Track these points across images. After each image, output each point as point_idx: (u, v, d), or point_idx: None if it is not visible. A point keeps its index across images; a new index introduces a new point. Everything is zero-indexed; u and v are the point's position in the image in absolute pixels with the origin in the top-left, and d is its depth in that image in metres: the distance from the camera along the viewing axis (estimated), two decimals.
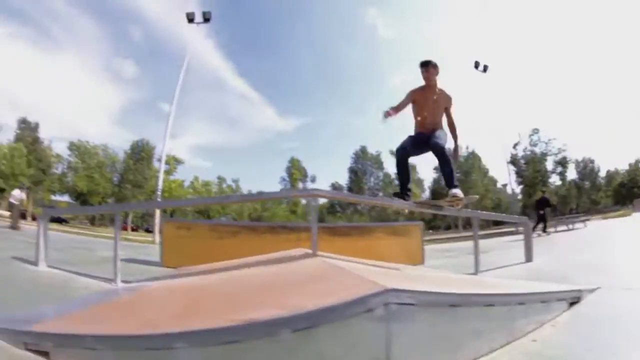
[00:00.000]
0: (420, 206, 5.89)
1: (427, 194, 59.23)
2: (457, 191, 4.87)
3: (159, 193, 24.59)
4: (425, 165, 59.81)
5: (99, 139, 62.06)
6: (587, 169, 64.73)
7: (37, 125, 53.96)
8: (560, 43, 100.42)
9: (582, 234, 13.85)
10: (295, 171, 63.83)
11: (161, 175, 26.71)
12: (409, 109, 5.32)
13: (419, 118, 5.31)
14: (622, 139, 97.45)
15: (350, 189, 59.53)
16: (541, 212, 16.92)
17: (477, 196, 5.76)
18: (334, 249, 5.36)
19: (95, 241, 13.29)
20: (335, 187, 61.93)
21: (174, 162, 55.48)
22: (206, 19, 28.57)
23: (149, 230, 47.21)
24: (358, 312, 1.67)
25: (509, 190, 53.72)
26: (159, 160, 55.78)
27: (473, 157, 58.19)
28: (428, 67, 5.16)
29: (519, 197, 53.22)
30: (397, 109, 5.13)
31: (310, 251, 4.81)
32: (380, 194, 57.64)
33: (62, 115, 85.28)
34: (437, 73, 5.23)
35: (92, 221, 57.43)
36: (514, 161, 50.48)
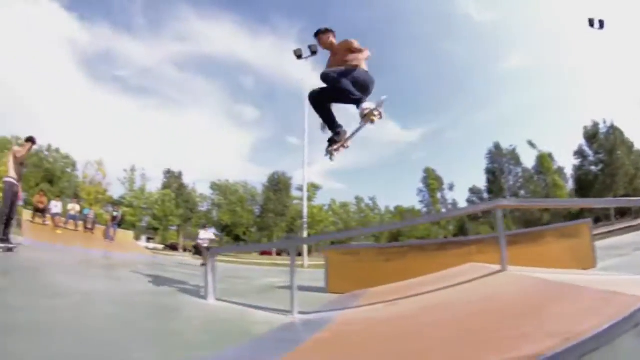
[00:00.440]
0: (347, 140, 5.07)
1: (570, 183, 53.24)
2: (365, 105, 4.54)
3: (304, 219, 24.94)
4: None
5: (237, 177, 66.68)
6: None
7: (180, 173, 61.64)
8: None
9: None
10: (432, 181, 61.42)
11: (305, 202, 27.19)
12: None
13: None
14: None
15: (489, 191, 55.76)
16: None
17: (385, 96, 4.75)
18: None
19: (246, 269, 13.54)
20: (473, 191, 58.61)
21: (312, 188, 56.87)
22: (313, 52, 28.91)
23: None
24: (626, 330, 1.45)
25: None
26: (298, 189, 59.09)
27: (614, 130, 49.67)
28: (317, 37, 5.16)
29: None
30: None
31: (491, 266, 4.26)
32: (522, 192, 53.52)
33: (201, 162, 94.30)
34: (327, 38, 5.10)
35: None
36: None
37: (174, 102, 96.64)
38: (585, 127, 51.12)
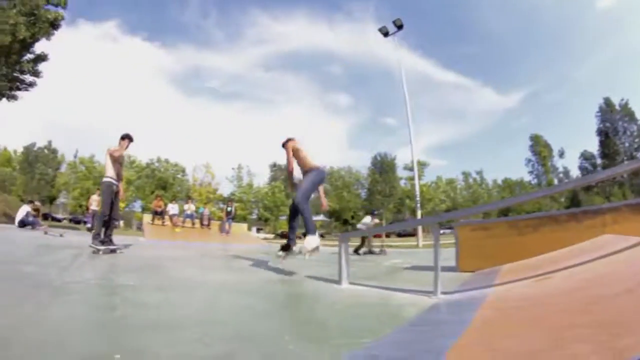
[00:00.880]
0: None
1: None
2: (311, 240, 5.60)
3: (417, 198, 24.38)
4: None
5: (339, 164, 67.79)
6: None
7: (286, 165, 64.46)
8: None
9: None
10: (542, 149, 57.24)
11: (417, 181, 26.52)
12: None
13: None
14: None
15: (603, 155, 50.19)
16: None
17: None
18: None
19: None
20: (585, 156, 53.19)
21: (420, 166, 56.01)
22: (399, 26, 28.20)
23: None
24: None
25: None
26: (405, 168, 58.41)
27: None
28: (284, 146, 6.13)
29: None
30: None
31: (634, 238, 3.54)
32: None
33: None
34: (289, 148, 5.99)
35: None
36: None
37: (267, 101, 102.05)
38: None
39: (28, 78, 19.72)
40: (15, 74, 19.16)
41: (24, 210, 15.07)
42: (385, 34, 28.55)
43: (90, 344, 2.03)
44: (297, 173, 6.11)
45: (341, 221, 63.81)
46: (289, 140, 6.11)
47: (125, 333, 2.27)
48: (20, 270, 4.44)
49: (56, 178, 56.48)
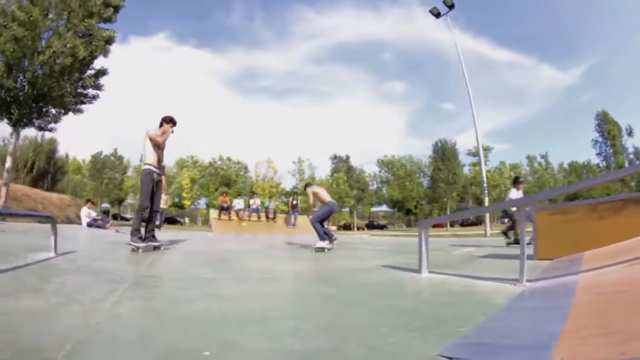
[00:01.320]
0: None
1: None
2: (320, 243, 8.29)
3: (484, 184, 23.59)
4: None
5: (400, 152, 67.53)
6: None
7: (347, 157, 67.76)
8: None
9: None
10: (612, 127, 53.42)
11: (483, 167, 25.70)
12: None
13: None
14: None
15: None
16: None
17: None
18: None
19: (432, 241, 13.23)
20: None
21: (485, 152, 54.38)
22: (450, 5, 27.43)
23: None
24: None
25: None
26: (469, 154, 56.93)
27: None
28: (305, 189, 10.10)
29: None
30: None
31: None
32: None
33: (363, 144, 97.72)
34: (309, 192, 9.55)
35: (408, 224, 62.98)
36: None
37: (323, 94, 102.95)
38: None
39: (91, 92, 21.27)
40: (79, 90, 20.73)
41: (85, 211, 16.29)
42: (437, 15, 27.84)
43: (176, 339, 2.01)
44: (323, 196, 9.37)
45: (404, 211, 63.25)
46: (307, 185, 10.05)
47: (211, 327, 2.24)
48: (95, 267, 4.70)
49: (123, 182, 60.29)
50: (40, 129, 21.14)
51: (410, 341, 1.99)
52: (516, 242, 8.88)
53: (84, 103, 21.28)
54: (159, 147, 6.88)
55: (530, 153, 61.58)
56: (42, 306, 2.53)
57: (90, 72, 20.75)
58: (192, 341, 1.95)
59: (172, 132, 7.00)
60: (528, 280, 3.60)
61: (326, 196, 9.39)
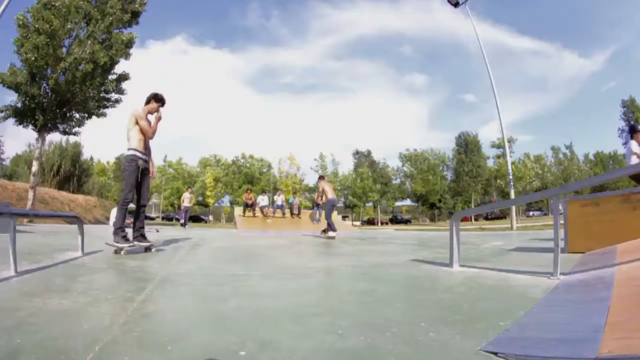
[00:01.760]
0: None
1: None
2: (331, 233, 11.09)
3: (510, 177, 23.17)
4: None
5: (422, 145, 67.02)
6: None
7: (369, 152, 67.74)
8: None
9: None
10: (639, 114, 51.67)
11: (508, 159, 25.31)
12: None
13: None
14: None
15: None
16: None
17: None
18: None
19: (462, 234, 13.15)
20: None
21: (509, 143, 53.52)
22: None
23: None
24: None
25: None
26: (493, 146, 56.02)
27: None
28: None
29: None
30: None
31: None
32: None
33: (385, 138, 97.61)
34: (320, 185, 12.70)
35: (432, 218, 62.70)
36: None
37: (344, 89, 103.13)
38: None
39: (114, 96, 22.04)
40: (101, 95, 21.46)
41: (114, 212, 16.53)
42: (455, 4, 27.30)
43: (209, 338, 1.97)
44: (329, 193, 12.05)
45: (427, 205, 62.86)
46: (321, 178, 12.76)
47: (246, 325, 2.22)
48: (123, 264, 4.75)
49: None
50: (65, 133, 21.85)
51: (451, 336, 1.96)
52: None
53: (107, 107, 21.97)
54: (147, 131, 5.91)
55: (554, 144, 60.42)
56: (71, 306, 2.56)
57: (111, 77, 21.37)
58: (226, 341, 1.91)
59: (160, 117, 6.12)
60: (562, 274, 3.57)
61: (330, 193, 12.13)
